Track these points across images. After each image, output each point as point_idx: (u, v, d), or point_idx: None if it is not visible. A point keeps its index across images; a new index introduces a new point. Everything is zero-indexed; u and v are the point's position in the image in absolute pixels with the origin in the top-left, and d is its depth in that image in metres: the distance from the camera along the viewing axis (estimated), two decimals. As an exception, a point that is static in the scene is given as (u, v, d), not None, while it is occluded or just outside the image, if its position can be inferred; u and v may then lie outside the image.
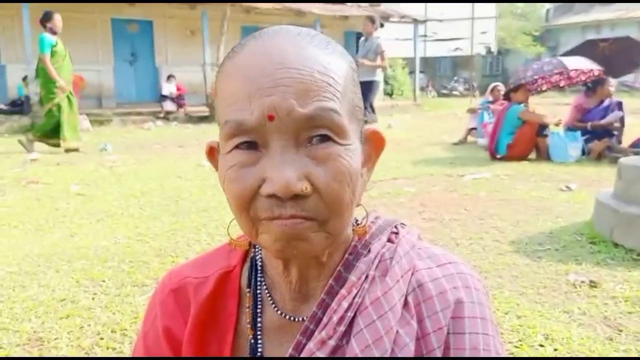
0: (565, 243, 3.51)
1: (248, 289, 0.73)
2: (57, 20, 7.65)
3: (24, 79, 12.45)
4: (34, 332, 2.40)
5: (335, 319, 0.66)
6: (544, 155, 7.02)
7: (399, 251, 0.71)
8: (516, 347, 2.21)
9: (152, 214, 4.43)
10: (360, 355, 0.64)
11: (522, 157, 7.00)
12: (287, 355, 0.67)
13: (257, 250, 0.75)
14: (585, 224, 3.86)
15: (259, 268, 0.74)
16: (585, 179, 5.72)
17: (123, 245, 3.61)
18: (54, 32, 7.60)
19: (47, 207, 4.69)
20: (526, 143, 7.06)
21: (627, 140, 7.15)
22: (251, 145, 0.61)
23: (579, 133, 7.13)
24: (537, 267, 3.11)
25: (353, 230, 0.72)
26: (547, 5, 34.25)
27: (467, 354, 0.66)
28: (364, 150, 0.69)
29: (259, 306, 0.72)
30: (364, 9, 17.72)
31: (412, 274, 0.69)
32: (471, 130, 9.21)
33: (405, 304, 0.67)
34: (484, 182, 5.64)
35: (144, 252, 3.44)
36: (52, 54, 7.61)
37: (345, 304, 0.67)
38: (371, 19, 8.30)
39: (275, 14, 15.51)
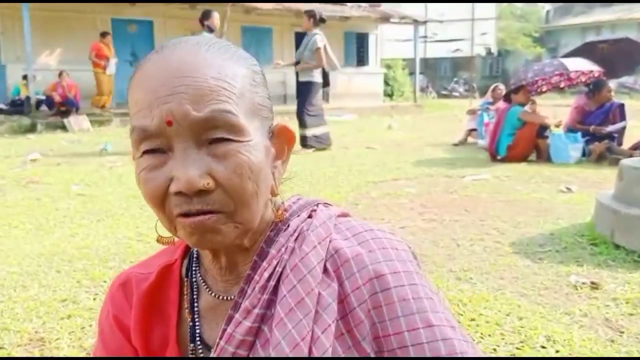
0: (566, 244, 3.51)
1: (186, 278, 0.81)
2: (215, 18, 7.64)
3: (24, 77, 12.44)
4: (35, 332, 2.40)
5: (257, 288, 0.71)
6: (544, 156, 7.02)
7: (315, 222, 0.76)
8: (518, 348, 2.21)
9: (152, 214, 4.38)
10: (285, 318, 0.67)
11: (523, 158, 7.00)
12: (220, 331, 0.72)
13: None
14: (586, 225, 3.86)
15: (195, 258, 0.81)
16: (585, 180, 5.72)
17: (124, 245, 3.61)
18: (211, 30, 7.57)
19: (48, 207, 4.69)
20: (526, 144, 7.06)
21: (628, 142, 7.15)
22: (158, 150, 0.66)
23: (579, 134, 7.13)
24: (538, 268, 3.11)
25: (274, 213, 0.78)
26: (547, 7, 34.26)
27: (397, 306, 0.68)
28: (275, 144, 0.74)
29: (195, 292, 0.79)
30: (364, 10, 17.73)
31: (330, 242, 0.73)
32: (471, 131, 9.22)
33: (325, 270, 0.71)
34: (485, 183, 5.64)
35: (145, 252, 3.44)
36: None
37: (266, 274, 0.72)
38: (308, 14, 7.82)
39: (275, 15, 15.53)
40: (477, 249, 3.48)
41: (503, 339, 2.28)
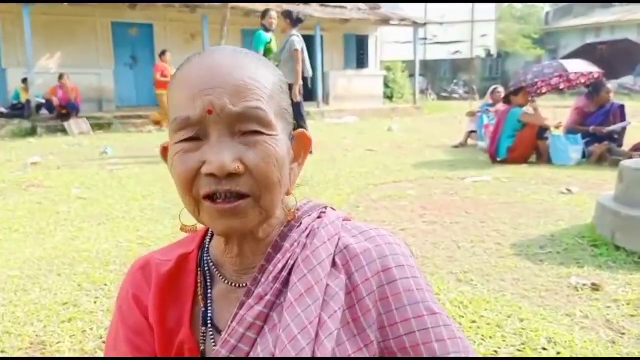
0: (566, 246, 3.51)
1: (199, 268, 0.86)
2: (270, 17, 7.60)
3: (24, 81, 12.44)
4: (37, 336, 2.40)
5: (270, 278, 0.77)
6: (544, 158, 7.02)
7: (325, 220, 0.83)
8: (519, 350, 2.21)
9: (153, 217, 4.43)
10: (295, 303, 0.73)
11: (523, 160, 7.00)
12: (232, 315, 0.77)
13: (207, 234, 0.89)
14: (586, 227, 3.85)
15: (207, 249, 0.87)
16: (586, 181, 5.72)
17: (125, 248, 3.61)
18: (267, 30, 7.53)
19: (49, 211, 4.70)
20: (527, 146, 7.06)
21: (628, 144, 7.15)
22: (194, 137, 0.73)
23: (579, 136, 7.13)
24: (539, 270, 3.11)
25: (286, 212, 0.84)
26: (547, 8, 34.28)
27: (403, 296, 0.76)
28: (294, 147, 0.82)
29: (208, 280, 0.84)
30: (364, 12, 17.75)
31: (339, 239, 0.80)
32: (471, 133, 9.22)
33: (334, 264, 0.77)
34: (485, 185, 5.64)
35: (145, 256, 3.44)
36: (266, 51, 7.47)
37: (280, 266, 0.78)
38: (284, 15, 7.61)
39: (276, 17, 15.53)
40: (478, 251, 3.48)
41: (504, 340, 2.28)
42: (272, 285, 0.76)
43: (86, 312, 2.62)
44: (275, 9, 15.09)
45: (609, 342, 2.26)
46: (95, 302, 2.74)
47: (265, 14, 7.64)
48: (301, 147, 0.84)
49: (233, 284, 0.82)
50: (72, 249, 3.60)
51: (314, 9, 16.03)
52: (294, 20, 7.52)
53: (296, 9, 15.19)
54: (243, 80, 0.73)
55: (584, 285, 2.83)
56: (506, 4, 33.83)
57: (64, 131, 11.47)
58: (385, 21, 18.13)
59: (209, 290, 0.84)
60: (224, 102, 0.71)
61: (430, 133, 11.18)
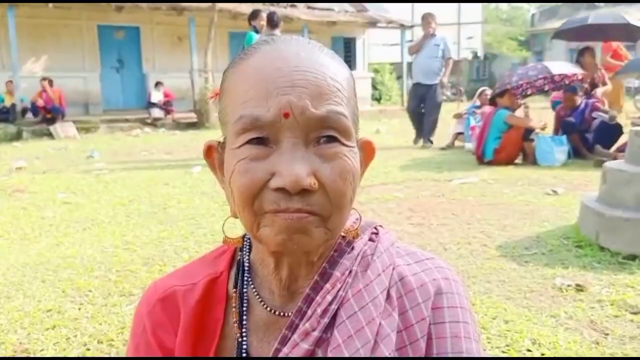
0: (551, 247, 3.54)
1: (234, 289, 0.75)
2: (261, 19, 7.45)
3: (10, 82, 12.30)
4: (20, 343, 2.38)
5: (319, 311, 0.69)
6: (530, 159, 7.07)
7: (380, 248, 0.75)
8: (504, 352, 2.22)
9: (139, 222, 4.40)
10: (342, 345, 0.66)
11: (509, 162, 7.04)
12: (272, 350, 0.69)
13: (244, 253, 0.77)
14: (571, 227, 3.89)
15: (246, 269, 0.76)
16: (571, 182, 5.76)
17: (110, 254, 3.59)
18: (257, 31, 7.41)
19: (33, 216, 4.65)
20: (513, 147, 7.10)
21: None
22: (262, 141, 0.63)
23: (564, 137, 7.20)
24: (524, 271, 3.13)
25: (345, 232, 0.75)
26: (533, 10, 34.58)
27: (448, 342, 0.69)
28: (360, 158, 0.72)
29: (245, 305, 0.74)
30: (351, 15, 17.79)
31: (394, 269, 0.73)
32: (458, 135, 9.26)
33: (388, 297, 0.70)
34: (472, 186, 5.66)
35: (131, 261, 3.42)
36: None
37: (329, 298, 0.69)
38: (268, 15, 7.28)
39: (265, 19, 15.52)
40: (464, 253, 3.49)
41: (489, 342, 2.29)
42: (319, 320, 0.68)
43: (70, 319, 2.60)
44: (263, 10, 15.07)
45: (593, 343, 2.28)
46: (79, 309, 2.72)
47: (256, 15, 7.56)
48: (364, 156, 0.74)
49: (276, 312, 0.73)
50: (56, 255, 3.57)
51: (301, 11, 16.06)
52: (273, 23, 7.26)
53: (291, 12, 15.12)
54: (325, 80, 0.65)
55: (569, 286, 2.85)
56: (492, 6, 34.09)
57: (50, 135, 11.39)
58: (373, 23, 18.20)
59: (244, 316, 0.74)
60: (304, 104, 0.62)
61: (417, 135, 11.20)
